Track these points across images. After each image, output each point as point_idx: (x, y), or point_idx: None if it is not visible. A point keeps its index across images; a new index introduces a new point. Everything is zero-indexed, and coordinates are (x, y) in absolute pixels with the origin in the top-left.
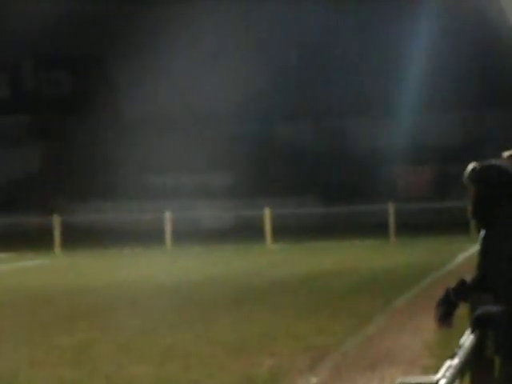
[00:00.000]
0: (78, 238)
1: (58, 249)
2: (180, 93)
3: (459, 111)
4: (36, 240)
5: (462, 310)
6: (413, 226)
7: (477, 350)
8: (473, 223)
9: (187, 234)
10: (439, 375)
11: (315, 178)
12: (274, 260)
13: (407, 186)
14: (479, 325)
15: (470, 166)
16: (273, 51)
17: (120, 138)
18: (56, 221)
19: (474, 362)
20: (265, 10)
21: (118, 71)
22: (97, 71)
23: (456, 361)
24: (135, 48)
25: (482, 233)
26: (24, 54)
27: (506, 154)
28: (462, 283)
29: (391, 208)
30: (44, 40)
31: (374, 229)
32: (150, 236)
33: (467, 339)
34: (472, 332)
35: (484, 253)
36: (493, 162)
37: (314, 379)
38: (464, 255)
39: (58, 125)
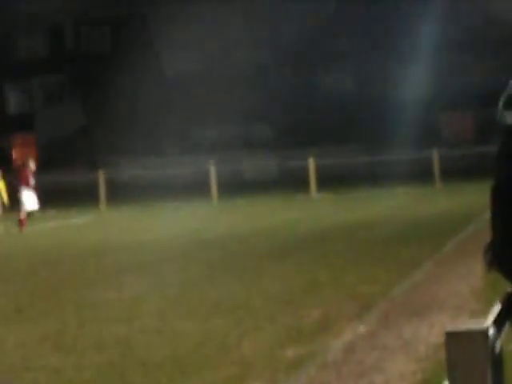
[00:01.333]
0: (124, 193)
1: (103, 205)
2: (221, 46)
3: (500, 57)
4: (82, 196)
5: None
6: (457, 172)
7: None
8: None
9: (232, 187)
10: (489, 321)
11: (358, 127)
12: (319, 210)
13: (450, 132)
14: None
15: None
16: (311, 1)
17: (162, 93)
18: (101, 177)
19: None
20: None
21: (158, 25)
22: (137, 28)
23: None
24: (177, 4)
25: None
26: (64, 13)
27: None
28: None
29: (435, 154)
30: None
31: (419, 176)
32: (195, 189)
33: None
34: None
35: None
36: None
37: (362, 327)
38: None
39: (101, 82)
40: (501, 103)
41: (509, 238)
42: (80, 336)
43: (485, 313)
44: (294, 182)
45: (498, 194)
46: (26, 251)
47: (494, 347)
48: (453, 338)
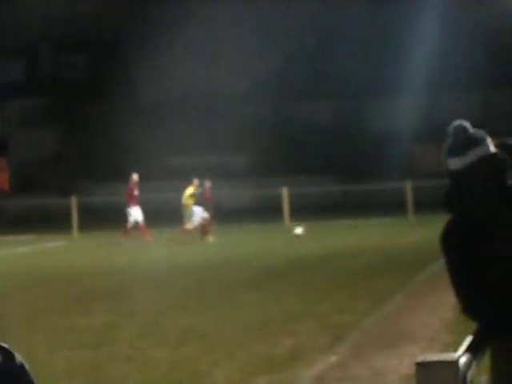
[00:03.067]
0: (96, 219)
1: (75, 230)
2: (196, 75)
3: (475, 89)
4: (55, 222)
5: None
6: (431, 203)
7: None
8: None
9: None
10: (460, 352)
11: (333, 157)
12: (293, 239)
13: (424, 163)
14: None
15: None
16: (289, 32)
17: (137, 120)
18: (74, 203)
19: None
20: None
21: (135, 55)
22: (113, 54)
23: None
24: (153, 31)
25: None
26: (40, 38)
27: None
28: None
29: (409, 185)
30: (60, 24)
31: (392, 207)
32: (169, 216)
33: None
34: None
35: None
36: None
37: (333, 357)
38: None
39: (75, 107)
40: (443, 151)
41: (468, 286)
42: (51, 362)
43: (456, 345)
44: (268, 211)
45: (446, 240)
46: None
47: (464, 378)
48: (423, 368)
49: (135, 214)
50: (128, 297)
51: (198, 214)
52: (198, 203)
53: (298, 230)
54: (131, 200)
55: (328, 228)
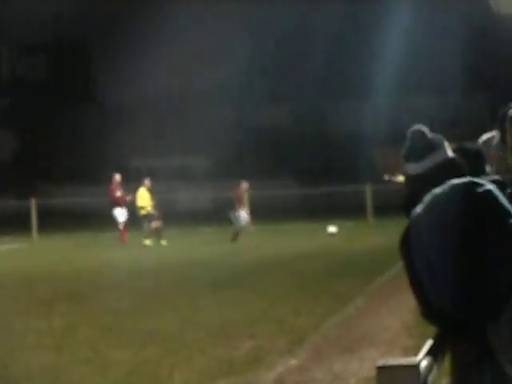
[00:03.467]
0: (55, 221)
1: (35, 233)
2: (158, 78)
3: (441, 94)
4: (13, 224)
5: None
6: (391, 207)
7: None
8: None
9: (165, 217)
10: (420, 356)
11: (293, 161)
12: (252, 242)
13: (386, 168)
14: None
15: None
16: (252, 33)
17: (99, 122)
18: (33, 205)
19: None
20: None
21: (98, 56)
22: (75, 56)
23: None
24: (116, 33)
25: None
26: (1, 40)
27: (483, 137)
28: None
29: (368, 189)
30: (20, 25)
31: (352, 211)
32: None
33: None
34: None
35: None
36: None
37: (293, 361)
38: None
39: (35, 109)
40: (401, 155)
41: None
42: (9, 364)
43: (417, 348)
44: (228, 214)
45: (404, 244)
46: None
47: (425, 382)
48: (384, 372)
49: (119, 214)
50: (88, 299)
51: (243, 215)
52: (236, 205)
53: (332, 229)
54: (115, 201)
55: (288, 231)
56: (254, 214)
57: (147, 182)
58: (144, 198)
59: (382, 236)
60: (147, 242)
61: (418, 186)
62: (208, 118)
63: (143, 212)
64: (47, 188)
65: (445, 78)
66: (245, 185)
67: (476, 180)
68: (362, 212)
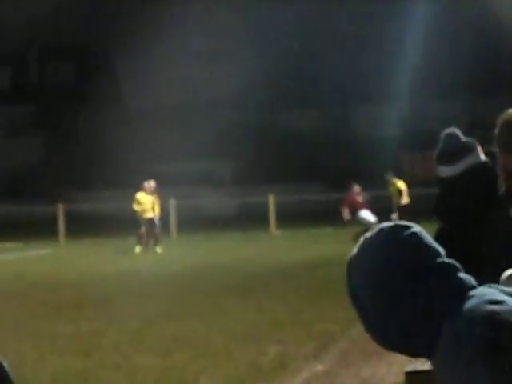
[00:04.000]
0: (82, 227)
1: (62, 238)
2: (183, 82)
3: (464, 97)
4: (41, 229)
5: None
6: (415, 210)
7: None
8: None
9: (191, 222)
10: None
11: (319, 165)
12: (279, 247)
13: (413, 171)
14: None
15: None
16: (274, 38)
17: (123, 127)
18: (60, 210)
19: None
20: None
21: (121, 61)
22: (100, 62)
23: None
24: (138, 38)
25: None
26: (27, 45)
27: None
28: None
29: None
30: (47, 31)
31: (380, 215)
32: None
33: None
34: None
35: None
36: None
37: (319, 366)
38: None
39: (64, 115)
40: (434, 157)
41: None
42: (38, 369)
43: None
44: (254, 219)
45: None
46: None
47: None
48: (412, 377)
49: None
50: (115, 305)
51: (368, 215)
52: (354, 207)
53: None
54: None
55: (313, 236)
56: (280, 218)
57: (147, 185)
58: (140, 203)
59: None
60: (137, 248)
61: (450, 188)
62: (234, 121)
63: (141, 216)
64: (74, 193)
65: (469, 81)
66: (356, 188)
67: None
68: (387, 215)
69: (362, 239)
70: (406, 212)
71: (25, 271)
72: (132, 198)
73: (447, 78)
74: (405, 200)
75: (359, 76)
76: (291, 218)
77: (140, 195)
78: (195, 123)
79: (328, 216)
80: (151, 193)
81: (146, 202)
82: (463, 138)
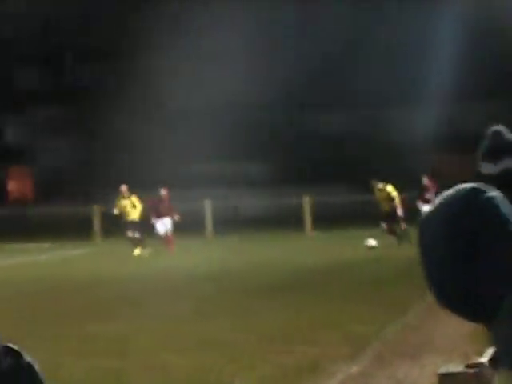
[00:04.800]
0: (118, 226)
1: (98, 237)
2: (218, 83)
3: (498, 99)
4: (77, 229)
5: None
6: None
7: None
8: None
9: (227, 223)
10: (483, 362)
11: (355, 167)
12: (314, 248)
13: (448, 174)
14: None
15: None
16: (307, 40)
17: (160, 128)
18: (96, 210)
19: None
20: None
21: (160, 64)
22: (138, 64)
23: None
24: (176, 43)
25: None
26: (64, 47)
27: None
28: None
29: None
30: (85, 33)
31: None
32: (189, 225)
33: None
34: None
35: None
36: None
37: (354, 368)
38: None
39: (100, 116)
40: (479, 153)
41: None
42: (74, 370)
43: (478, 355)
44: (289, 220)
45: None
46: (20, 282)
47: None
48: (446, 379)
49: (162, 224)
50: (148, 304)
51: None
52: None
53: (372, 242)
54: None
55: (349, 237)
56: (317, 219)
57: (122, 189)
58: (118, 207)
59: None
60: (137, 251)
61: (491, 186)
62: (269, 123)
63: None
64: (109, 194)
65: (505, 83)
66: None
67: (482, 187)
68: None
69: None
70: (398, 220)
71: (61, 271)
72: (170, 199)
73: (486, 79)
74: (399, 208)
75: (396, 77)
76: (327, 219)
77: (119, 199)
78: (231, 124)
79: (363, 217)
80: (128, 196)
81: (124, 206)
82: (508, 137)
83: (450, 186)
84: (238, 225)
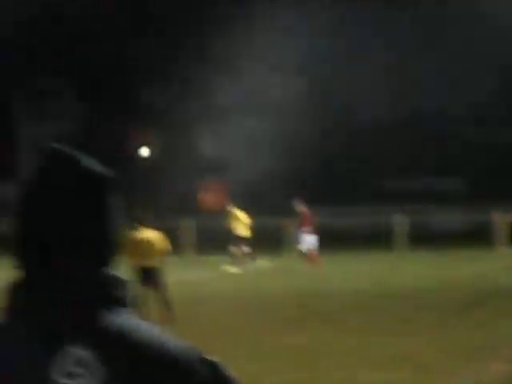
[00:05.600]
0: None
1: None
2: (405, 94)
3: None
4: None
5: None
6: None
7: None
8: None
9: (418, 238)
10: None
11: None
12: (506, 265)
13: None
14: None
15: None
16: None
17: (352, 142)
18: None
19: None
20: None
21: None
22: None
23: None
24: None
25: None
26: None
27: None
28: None
29: None
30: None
31: None
32: (375, 240)
33: None
34: None
35: None
36: None
37: None
38: None
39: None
40: None
41: None
42: (260, 383)
43: None
44: (482, 236)
45: None
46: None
47: None
48: None
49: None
50: (338, 318)
51: None
52: None
53: None
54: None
55: None
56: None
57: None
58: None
59: None
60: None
61: None
62: (468, 140)
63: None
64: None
65: None
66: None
67: None
68: None
69: None
70: (243, 242)
71: (250, 284)
72: (363, 214)
73: None
74: (243, 231)
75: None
76: None
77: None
78: (425, 141)
79: None
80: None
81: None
82: None
83: None
84: (428, 240)
